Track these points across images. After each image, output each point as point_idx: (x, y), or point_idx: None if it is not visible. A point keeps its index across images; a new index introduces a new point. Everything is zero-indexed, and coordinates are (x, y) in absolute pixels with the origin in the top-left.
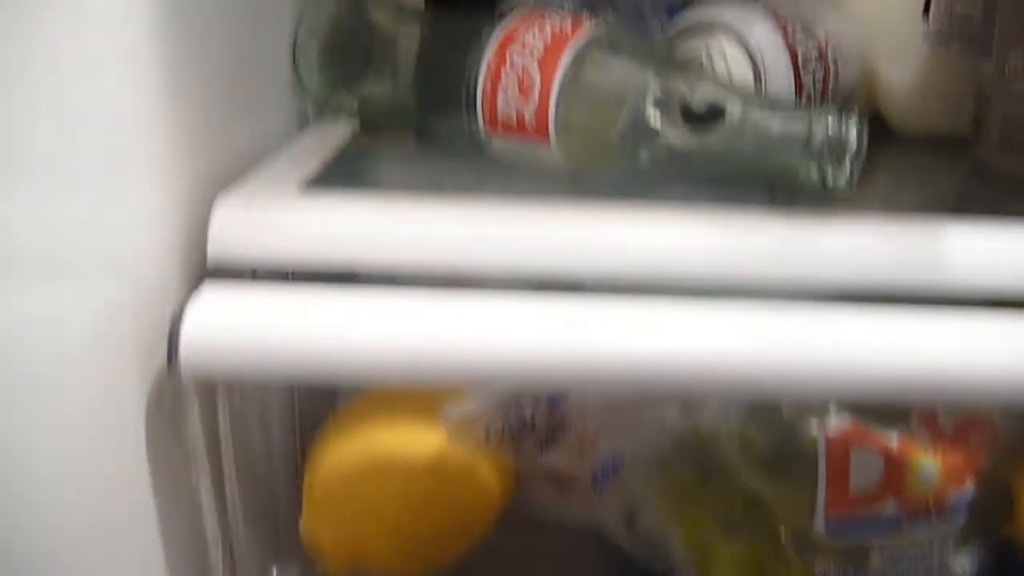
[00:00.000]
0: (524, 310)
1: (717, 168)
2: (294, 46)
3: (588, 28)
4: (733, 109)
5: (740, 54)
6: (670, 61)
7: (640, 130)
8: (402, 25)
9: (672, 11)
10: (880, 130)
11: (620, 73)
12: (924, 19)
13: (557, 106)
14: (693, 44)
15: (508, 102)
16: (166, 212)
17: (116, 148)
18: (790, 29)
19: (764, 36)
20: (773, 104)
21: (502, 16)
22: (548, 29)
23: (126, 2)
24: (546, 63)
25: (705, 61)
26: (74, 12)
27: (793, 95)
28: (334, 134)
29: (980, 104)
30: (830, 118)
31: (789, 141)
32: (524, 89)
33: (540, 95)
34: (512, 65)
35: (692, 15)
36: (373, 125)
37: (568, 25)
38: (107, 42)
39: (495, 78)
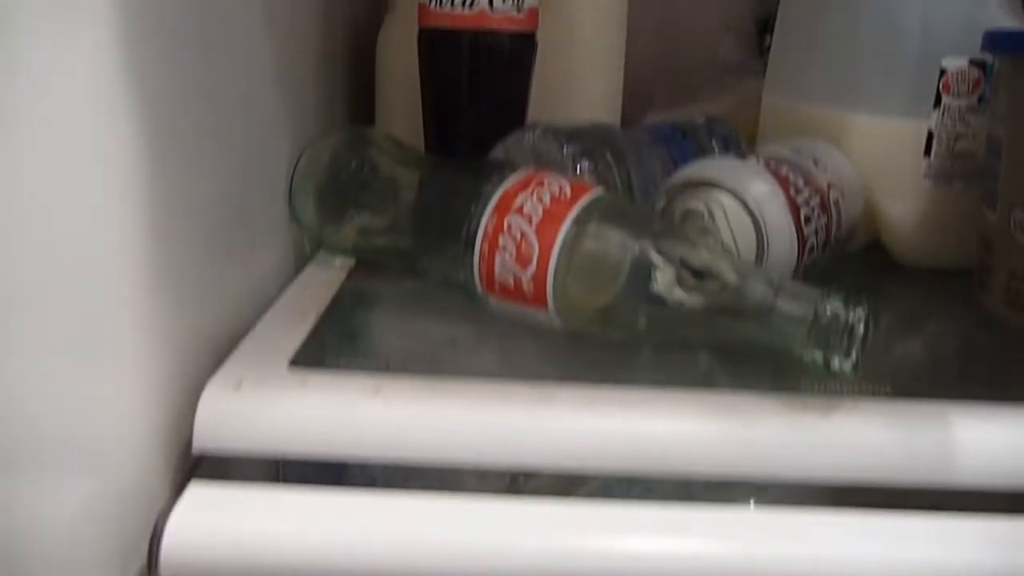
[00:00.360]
0: (531, 514)
1: (716, 338)
2: (291, 184)
3: (587, 195)
4: (734, 282)
5: (741, 212)
6: (670, 228)
7: (639, 297)
8: (400, 169)
9: (669, 142)
10: (881, 258)
11: (619, 242)
12: (925, 158)
13: (555, 276)
14: (693, 203)
15: (505, 267)
16: (149, 394)
17: (91, 317)
18: (790, 180)
19: (764, 193)
20: (778, 283)
21: (501, 170)
22: (547, 195)
23: (104, 152)
24: (544, 232)
25: (706, 219)
26: (48, 156)
27: (796, 252)
28: (330, 276)
29: (982, 250)
30: (837, 305)
31: (793, 323)
32: (522, 257)
33: (538, 264)
34: (510, 231)
35: (690, 171)
36: (370, 261)
37: (567, 190)
38: (75, 187)
39: (492, 243)
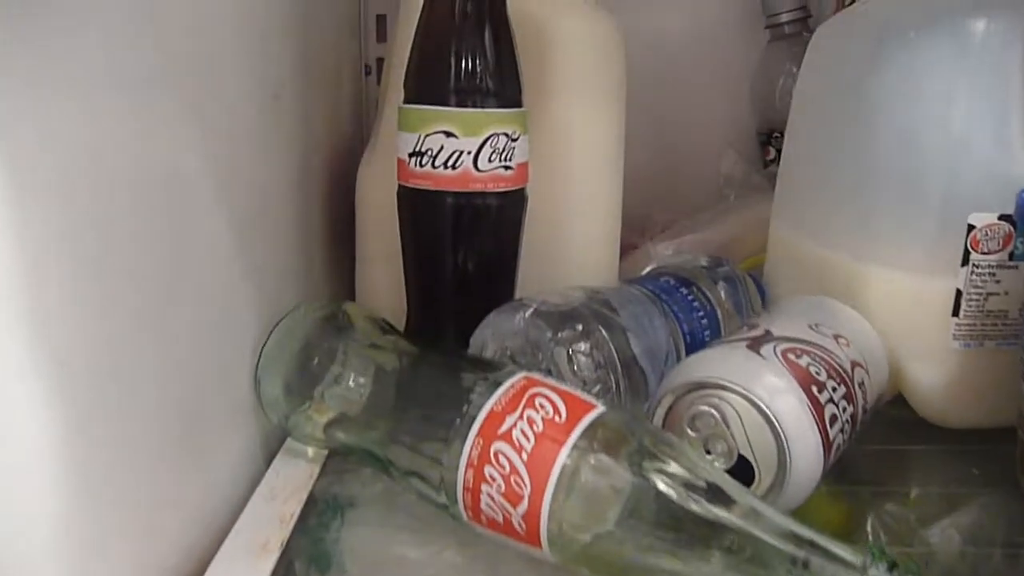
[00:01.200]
0: None
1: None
2: (257, 368)
3: (584, 418)
4: (753, 534)
5: (758, 419)
6: (680, 452)
7: (641, 529)
8: (377, 359)
9: (670, 297)
10: (903, 414)
11: (622, 473)
12: (954, 318)
13: (550, 516)
14: (702, 406)
15: (493, 502)
16: None
17: None
18: (811, 374)
19: (784, 399)
20: (808, 540)
21: (487, 369)
22: (539, 419)
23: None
24: (537, 467)
25: (718, 424)
26: None
27: (822, 460)
28: (298, 478)
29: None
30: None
31: None
32: (512, 494)
33: (530, 503)
34: (497, 461)
35: (698, 368)
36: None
37: (562, 411)
38: None
39: (478, 473)
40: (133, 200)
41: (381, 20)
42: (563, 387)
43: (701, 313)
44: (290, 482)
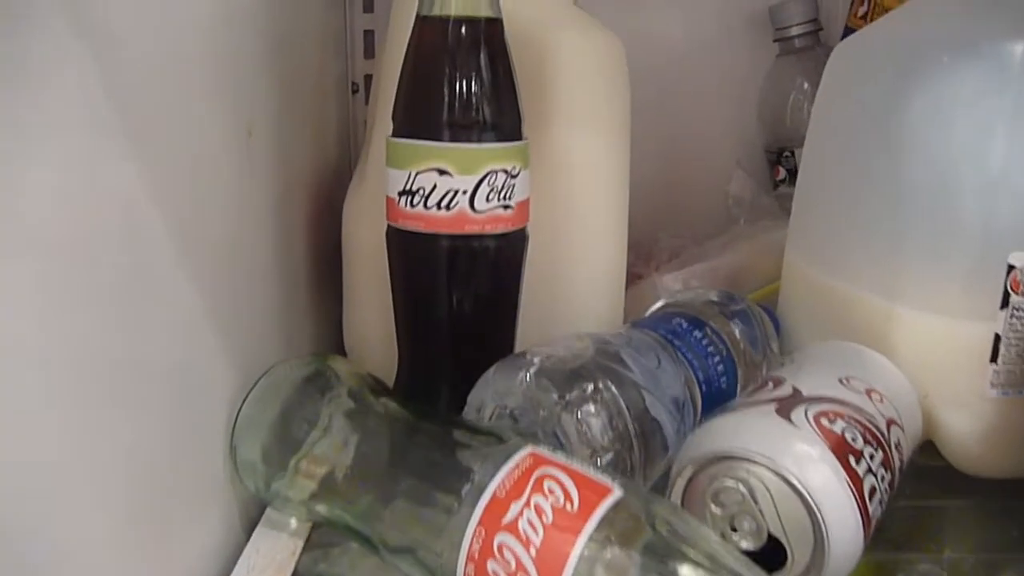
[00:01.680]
0: None
1: None
2: (234, 432)
3: (599, 507)
4: None
5: (791, 497)
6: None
7: None
8: (365, 425)
9: (680, 340)
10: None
11: (641, 567)
12: (991, 364)
13: None
14: (727, 480)
15: None
16: None
17: None
18: (847, 440)
19: (818, 473)
20: None
21: (488, 440)
22: (548, 506)
23: None
24: (547, 567)
25: (746, 500)
26: None
27: (862, 538)
28: (279, 557)
29: None
30: None
31: None
32: None
33: None
34: (502, 555)
35: (721, 438)
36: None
37: (574, 497)
38: None
39: (480, 570)
40: (87, 257)
41: (368, 36)
42: (573, 466)
43: (717, 358)
44: (271, 560)
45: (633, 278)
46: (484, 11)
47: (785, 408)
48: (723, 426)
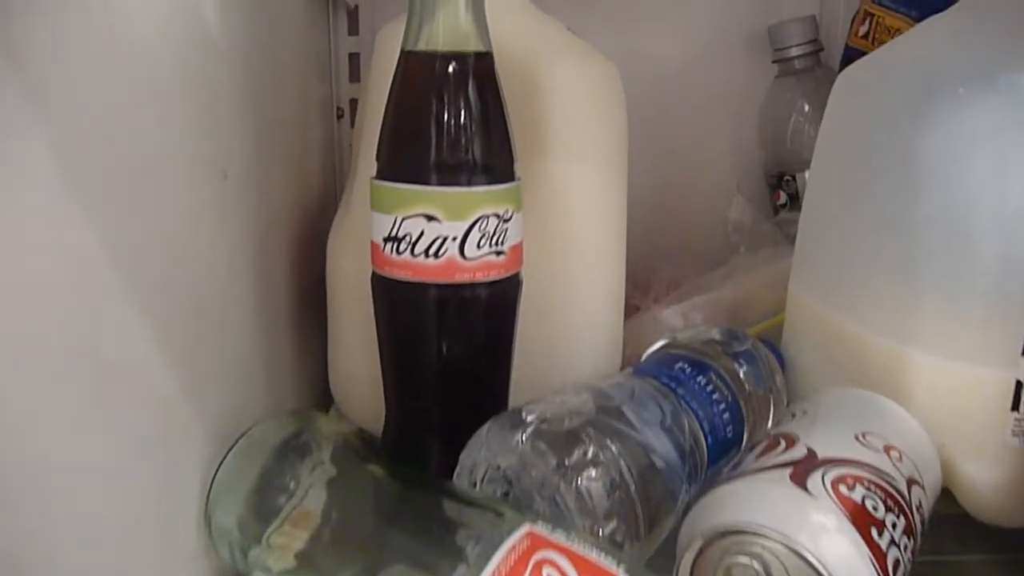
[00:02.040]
0: None
1: None
2: (209, 498)
3: None
4: None
5: (806, 572)
6: None
7: None
8: (347, 492)
9: (682, 387)
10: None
11: None
12: (1013, 412)
13: None
14: (739, 559)
15: None
16: None
17: None
18: (868, 509)
19: (833, 541)
20: None
21: (482, 514)
22: None
23: None
24: None
25: None
26: None
27: None
28: None
29: None
30: None
31: None
32: None
33: None
34: None
35: (728, 506)
36: None
37: None
38: None
39: None
40: (46, 318)
41: (354, 59)
42: (575, 548)
43: (722, 405)
44: None
45: (631, 310)
46: (473, 45)
47: (800, 474)
48: (734, 495)
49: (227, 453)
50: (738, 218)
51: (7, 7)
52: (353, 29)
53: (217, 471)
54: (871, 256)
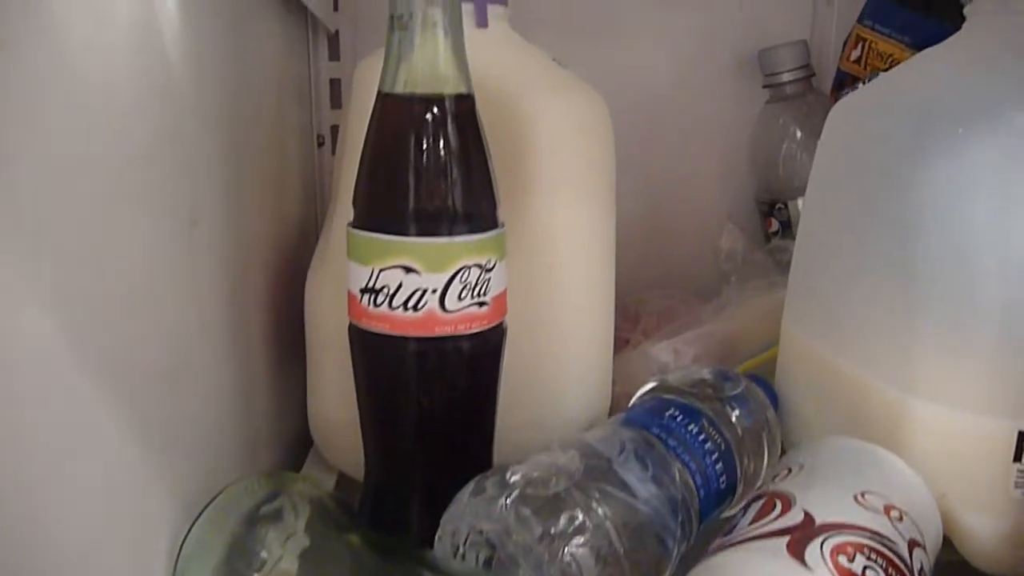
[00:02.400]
0: None
1: None
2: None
3: None
4: None
5: None
6: None
7: None
8: (321, 567)
9: (672, 437)
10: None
11: None
12: (1015, 464)
13: None
14: None
15: None
16: None
17: None
18: (861, 571)
19: None
20: None
21: None
22: None
23: None
24: None
25: None
26: None
27: None
28: None
29: None
30: None
31: None
32: None
33: None
34: None
35: None
36: None
37: None
38: None
39: None
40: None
41: (335, 84)
42: None
43: (715, 455)
44: None
45: (620, 342)
46: (453, 87)
47: (797, 543)
48: (730, 569)
49: (195, 521)
50: (729, 247)
51: None
52: (334, 54)
53: (184, 540)
54: (869, 297)
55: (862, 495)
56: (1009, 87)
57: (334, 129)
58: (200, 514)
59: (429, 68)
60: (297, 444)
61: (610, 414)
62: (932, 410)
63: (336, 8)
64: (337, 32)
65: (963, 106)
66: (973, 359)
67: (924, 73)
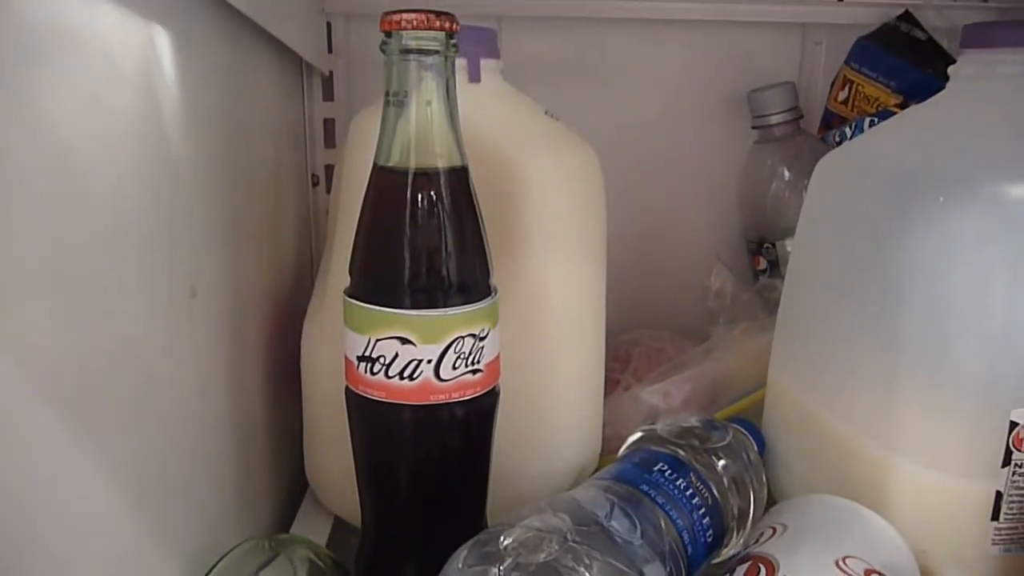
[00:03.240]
0: None
1: None
2: None
3: None
4: None
5: None
6: None
7: None
8: None
9: (659, 492)
10: None
11: None
12: (993, 522)
13: None
14: None
15: None
16: None
17: None
18: None
19: None
20: None
21: None
22: None
23: None
24: None
25: None
26: None
27: None
28: None
29: None
30: None
31: None
32: None
33: None
34: None
35: None
36: None
37: None
38: None
39: None
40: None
41: (328, 124)
42: None
43: (702, 510)
44: None
45: (611, 384)
46: (447, 161)
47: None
48: None
49: None
50: (718, 286)
51: None
52: (328, 95)
53: None
54: (853, 355)
55: (843, 560)
56: (990, 156)
57: (328, 168)
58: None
59: (423, 143)
60: (293, 492)
61: (601, 454)
62: (913, 469)
63: (330, 50)
64: (331, 73)
65: (944, 173)
66: (952, 422)
67: (907, 135)
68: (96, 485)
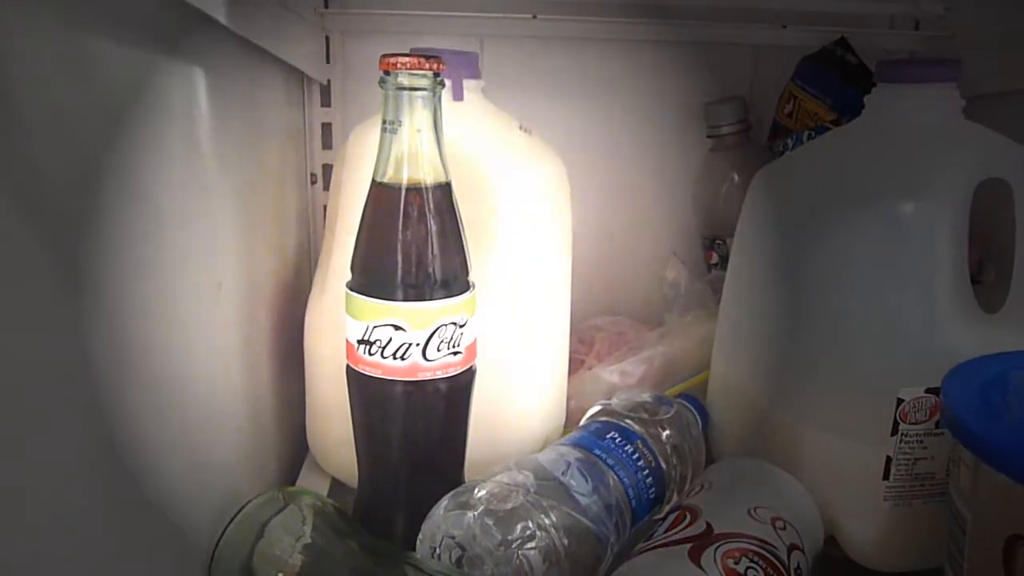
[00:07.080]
0: None
1: None
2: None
3: None
4: None
5: None
6: None
7: None
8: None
9: (612, 456)
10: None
11: None
12: (884, 481)
13: None
14: None
15: None
16: None
17: None
18: (744, 571)
19: None
20: None
21: None
22: None
23: None
24: None
25: None
26: None
27: None
28: None
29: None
30: None
31: None
32: None
33: None
34: None
35: None
36: None
37: None
38: None
39: None
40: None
41: (326, 128)
42: None
43: (646, 471)
44: None
45: (577, 364)
46: (433, 179)
47: (696, 550)
48: (641, 568)
49: (225, 527)
50: (673, 277)
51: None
52: (325, 101)
53: (217, 543)
54: (775, 342)
55: (754, 509)
56: (885, 180)
57: (325, 168)
58: (229, 522)
59: (414, 163)
60: (295, 456)
61: (566, 426)
62: (820, 436)
63: (328, 60)
64: (328, 82)
65: (848, 194)
66: (852, 397)
67: (825, 155)
68: (155, 439)
